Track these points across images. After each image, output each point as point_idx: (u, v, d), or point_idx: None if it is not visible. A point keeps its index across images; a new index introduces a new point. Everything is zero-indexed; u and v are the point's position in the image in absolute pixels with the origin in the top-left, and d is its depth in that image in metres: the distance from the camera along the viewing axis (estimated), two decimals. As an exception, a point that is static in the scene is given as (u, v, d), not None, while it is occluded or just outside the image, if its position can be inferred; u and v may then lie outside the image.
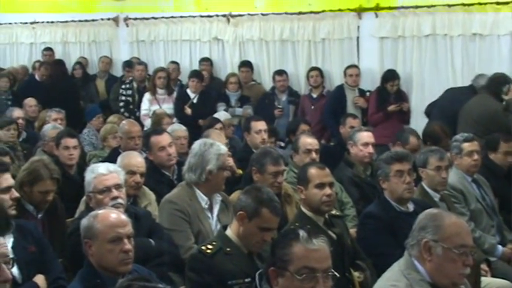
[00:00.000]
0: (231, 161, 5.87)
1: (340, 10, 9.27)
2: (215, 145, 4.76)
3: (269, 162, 4.93)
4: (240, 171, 6.04)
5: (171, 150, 5.67)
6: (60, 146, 6.03)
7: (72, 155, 6.02)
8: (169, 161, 5.66)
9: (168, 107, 9.30)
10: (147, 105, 9.46)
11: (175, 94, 9.62)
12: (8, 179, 4.11)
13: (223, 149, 4.77)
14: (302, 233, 2.77)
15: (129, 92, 10.01)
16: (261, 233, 3.65)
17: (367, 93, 8.77)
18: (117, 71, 11.18)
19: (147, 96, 9.54)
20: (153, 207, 5.00)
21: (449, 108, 7.44)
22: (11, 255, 2.83)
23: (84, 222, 3.33)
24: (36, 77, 11.05)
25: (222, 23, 10.30)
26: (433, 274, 2.96)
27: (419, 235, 3.00)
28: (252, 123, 6.81)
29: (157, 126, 7.54)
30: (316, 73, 9.09)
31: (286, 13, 9.67)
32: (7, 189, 4.07)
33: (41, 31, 12.39)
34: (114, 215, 3.31)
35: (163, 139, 5.71)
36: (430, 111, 8.00)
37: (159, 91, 9.49)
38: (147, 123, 8.94)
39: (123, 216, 3.34)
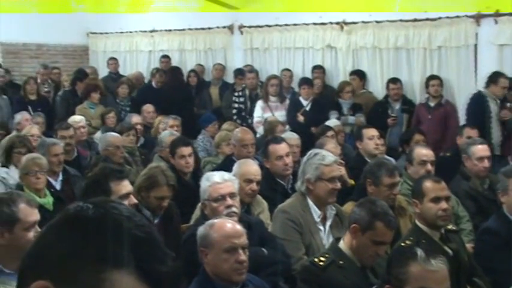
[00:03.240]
0: (343, 170, 5.83)
1: (457, 16, 9.01)
2: (319, 155, 4.71)
3: (384, 173, 4.85)
4: (352, 182, 5.99)
5: (288, 160, 5.69)
6: (176, 155, 6.14)
7: (188, 163, 6.14)
8: (285, 170, 5.67)
9: (280, 115, 9.37)
10: (259, 112, 9.56)
11: (287, 101, 9.68)
12: (126, 186, 4.18)
13: (329, 159, 4.66)
14: (420, 252, 2.71)
15: (242, 99, 10.18)
16: (375, 246, 3.60)
17: (508, 104, 8.21)
18: (231, 78, 11.34)
19: (259, 103, 9.64)
20: (265, 216, 5.04)
21: None
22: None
23: (201, 230, 3.41)
24: (153, 84, 11.41)
25: (336, 31, 10.26)
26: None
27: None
28: (363, 131, 6.84)
29: (270, 134, 7.61)
30: (437, 82, 8.79)
31: (401, 20, 9.51)
32: (126, 196, 4.20)
33: (159, 39, 12.77)
34: (229, 225, 3.37)
35: (281, 148, 5.73)
36: None
37: (272, 98, 9.57)
38: (260, 130, 9.04)
39: (239, 227, 3.39)
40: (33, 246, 1.22)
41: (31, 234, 3.35)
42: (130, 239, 1.16)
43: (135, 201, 4.26)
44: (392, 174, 4.87)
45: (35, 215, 3.44)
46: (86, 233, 1.17)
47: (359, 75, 9.84)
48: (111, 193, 4.01)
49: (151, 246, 1.19)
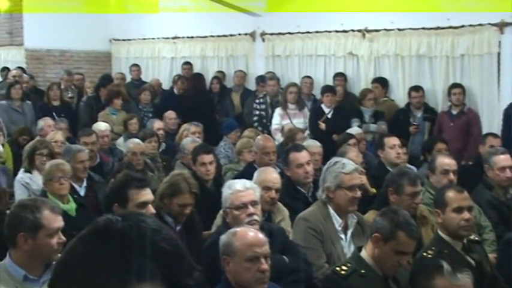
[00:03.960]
0: (364, 179, 5.81)
1: (480, 25, 8.97)
2: (340, 163, 4.70)
3: (406, 182, 4.83)
4: (373, 190, 5.97)
5: (309, 168, 5.70)
6: (197, 162, 6.16)
7: (209, 170, 6.14)
8: (305, 178, 5.68)
9: (298, 122, 9.37)
10: (278, 119, 9.59)
11: (306, 109, 9.67)
12: (145, 195, 4.16)
13: (349, 168, 4.63)
14: (446, 265, 2.70)
15: (263, 106, 10.20)
16: (397, 256, 3.59)
17: None
18: (253, 85, 11.35)
19: (278, 110, 9.67)
20: (286, 223, 5.05)
21: None
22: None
23: (223, 238, 3.42)
24: (175, 90, 11.46)
25: (358, 38, 10.25)
26: None
27: None
28: (385, 140, 6.82)
29: (291, 142, 7.61)
30: (459, 90, 8.75)
31: (423, 28, 9.48)
32: (143, 205, 4.12)
33: (181, 46, 12.81)
34: (252, 234, 3.38)
35: (302, 156, 5.75)
36: None
37: (290, 106, 9.58)
38: (278, 137, 9.04)
39: (261, 236, 3.40)
40: (63, 257, 1.24)
41: (55, 241, 3.38)
42: (157, 252, 1.18)
43: (153, 210, 4.24)
44: (414, 183, 4.85)
45: (58, 222, 3.48)
46: (113, 246, 1.18)
47: (381, 83, 9.82)
48: (128, 201, 4.04)
49: (178, 259, 1.20)
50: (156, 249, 1.18)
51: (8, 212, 5.61)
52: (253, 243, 3.33)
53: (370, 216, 4.78)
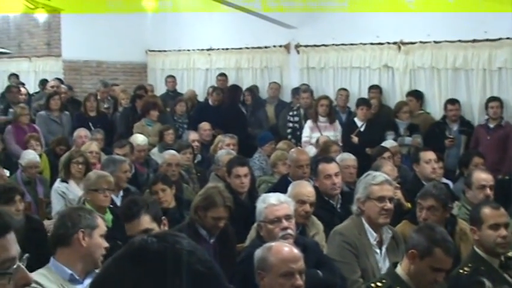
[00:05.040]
0: (398, 194, 5.77)
1: (518, 37, 8.88)
2: (371, 175, 4.69)
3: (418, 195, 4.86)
4: (408, 205, 5.92)
5: (337, 180, 5.70)
6: (232, 174, 6.17)
7: (244, 183, 6.14)
8: (333, 190, 5.69)
9: (329, 135, 9.30)
10: (308, 132, 9.56)
11: (337, 122, 9.63)
12: (129, 229, 4.11)
13: (379, 179, 4.58)
14: (487, 282, 2.67)
15: (296, 118, 10.19)
16: (433, 273, 3.56)
17: None
18: (287, 97, 11.37)
19: (308, 123, 9.64)
20: (320, 237, 5.04)
21: None
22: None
23: (258, 253, 3.43)
24: (210, 101, 11.51)
25: (393, 51, 10.20)
26: None
27: None
28: (421, 154, 6.78)
29: (325, 154, 7.58)
30: (497, 104, 8.65)
31: (460, 41, 9.40)
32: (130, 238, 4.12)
33: (216, 57, 12.89)
34: (287, 249, 3.38)
35: (331, 168, 5.76)
36: None
37: (321, 119, 9.54)
38: (308, 150, 8.98)
39: (296, 251, 3.40)
40: (99, 276, 1.27)
41: (104, 242, 3.52)
42: (191, 274, 1.19)
43: None
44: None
45: (104, 226, 3.66)
46: (148, 267, 1.20)
47: (416, 95, 9.75)
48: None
49: (212, 281, 1.21)
50: (191, 271, 1.19)
51: (45, 221, 5.71)
52: (288, 258, 3.33)
53: (403, 226, 4.76)
